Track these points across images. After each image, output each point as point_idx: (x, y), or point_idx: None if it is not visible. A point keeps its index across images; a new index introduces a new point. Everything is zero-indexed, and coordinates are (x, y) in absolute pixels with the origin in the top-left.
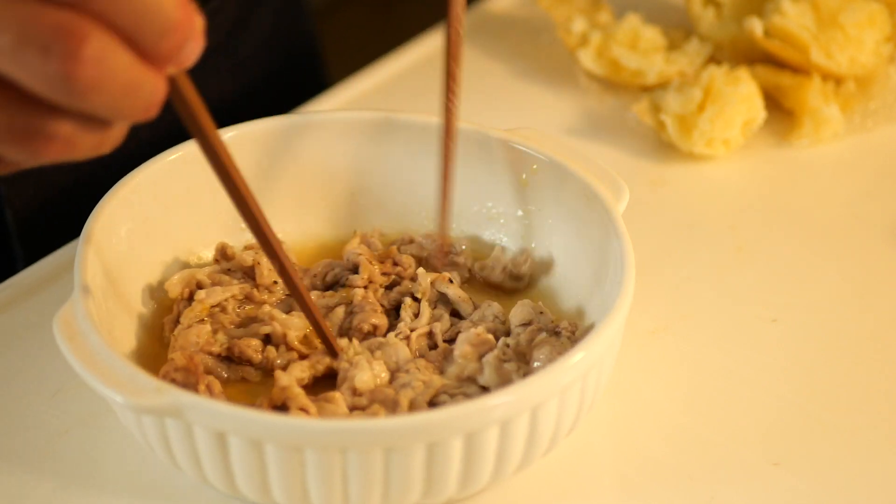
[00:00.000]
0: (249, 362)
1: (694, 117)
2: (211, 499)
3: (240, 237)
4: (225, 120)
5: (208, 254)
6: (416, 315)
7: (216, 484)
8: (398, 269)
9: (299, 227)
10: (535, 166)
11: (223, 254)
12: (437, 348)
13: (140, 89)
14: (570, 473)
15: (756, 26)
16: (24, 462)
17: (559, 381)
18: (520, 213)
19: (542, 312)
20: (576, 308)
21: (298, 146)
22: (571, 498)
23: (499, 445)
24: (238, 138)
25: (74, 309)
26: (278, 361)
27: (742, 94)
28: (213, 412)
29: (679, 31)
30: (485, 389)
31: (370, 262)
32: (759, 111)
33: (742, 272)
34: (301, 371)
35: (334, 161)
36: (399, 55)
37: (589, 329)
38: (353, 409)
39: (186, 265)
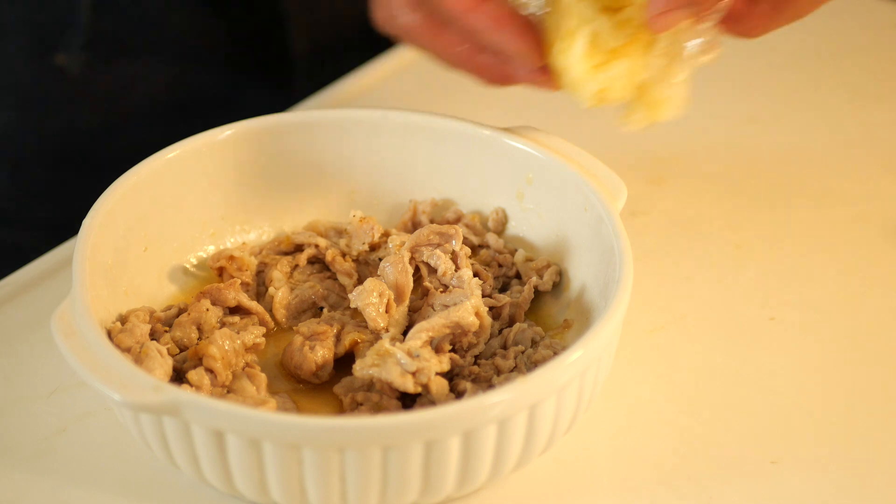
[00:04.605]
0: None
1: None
2: (209, 497)
3: (237, 235)
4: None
5: (206, 252)
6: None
7: (214, 482)
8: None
9: (296, 224)
10: (533, 165)
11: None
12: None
13: None
14: (568, 472)
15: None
16: (22, 460)
17: (557, 379)
18: (518, 211)
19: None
20: (574, 306)
21: (294, 144)
22: (569, 496)
23: (497, 444)
24: (235, 136)
25: (72, 307)
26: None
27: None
28: (210, 410)
29: None
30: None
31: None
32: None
33: (740, 271)
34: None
35: (330, 158)
36: (394, 53)
37: (586, 327)
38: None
39: (183, 264)
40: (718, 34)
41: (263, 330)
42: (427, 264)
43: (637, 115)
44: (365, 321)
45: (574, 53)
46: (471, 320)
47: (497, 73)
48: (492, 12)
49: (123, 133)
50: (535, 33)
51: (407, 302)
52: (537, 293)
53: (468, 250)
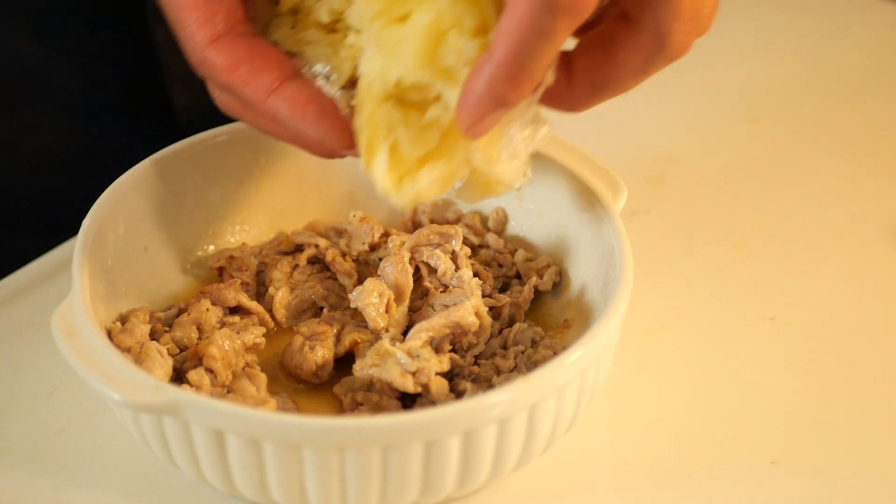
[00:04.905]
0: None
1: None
2: (208, 497)
3: (237, 235)
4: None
5: (206, 252)
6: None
7: (214, 482)
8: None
9: (296, 224)
10: (533, 164)
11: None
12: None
13: None
14: (568, 472)
15: None
16: (22, 460)
17: (557, 379)
18: (518, 211)
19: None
20: (574, 306)
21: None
22: (569, 496)
23: (497, 444)
24: (234, 136)
25: (72, 307)
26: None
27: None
28: (210, 410)
29: None
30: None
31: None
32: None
33: (740, 270)
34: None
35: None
36: None
37: (587, 327)
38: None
39: (183, 263)
40: (541, 114)
41: (263, 330)
42: (427, 264)
43: (469, 192)
44: (365, 321)
45: (376, 170)
46: (471, 320)
47: (322, 149)
48: (290, 98)
49: (11, 188)
50: (340, 115)
51: (407, 302)
52: (537, 293)
53: (468, 250)
